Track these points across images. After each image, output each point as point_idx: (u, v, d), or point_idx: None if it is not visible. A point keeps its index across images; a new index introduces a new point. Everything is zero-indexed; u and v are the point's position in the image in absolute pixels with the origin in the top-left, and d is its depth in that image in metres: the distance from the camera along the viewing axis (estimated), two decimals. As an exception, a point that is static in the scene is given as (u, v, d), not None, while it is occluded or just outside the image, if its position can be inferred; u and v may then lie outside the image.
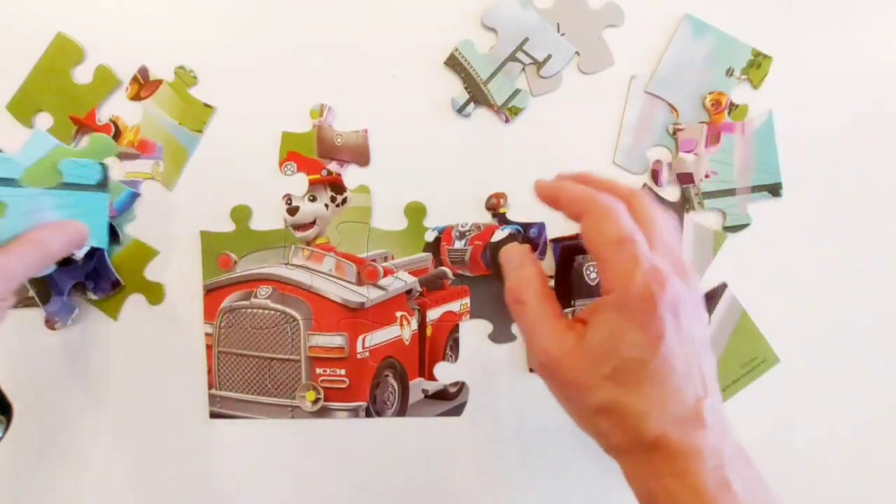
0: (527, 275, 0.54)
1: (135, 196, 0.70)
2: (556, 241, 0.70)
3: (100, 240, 0.66)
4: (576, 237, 0.70)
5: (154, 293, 0.70)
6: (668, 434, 0.47)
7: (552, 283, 0.70)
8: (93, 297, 0.70)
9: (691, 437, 0.47)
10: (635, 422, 0.48)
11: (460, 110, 0.70)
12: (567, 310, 0.70)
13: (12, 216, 0.60)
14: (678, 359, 0.48)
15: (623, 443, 0.49)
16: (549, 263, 0.70)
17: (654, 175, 0.71)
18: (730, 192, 0.71)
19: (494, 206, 0.70)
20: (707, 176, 0.71)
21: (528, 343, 0.53)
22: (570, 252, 0.70)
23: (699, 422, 0.48)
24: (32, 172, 0.62)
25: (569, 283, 0.70)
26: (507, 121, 0.70)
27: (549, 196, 0.55)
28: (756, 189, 0.71)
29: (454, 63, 0.70)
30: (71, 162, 0.64)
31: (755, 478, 0.50)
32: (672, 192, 0.71)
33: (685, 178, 0.71)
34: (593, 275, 0.70)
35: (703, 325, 0.52)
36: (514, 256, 0.57)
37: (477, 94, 0.70)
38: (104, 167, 0.67)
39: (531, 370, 0.70)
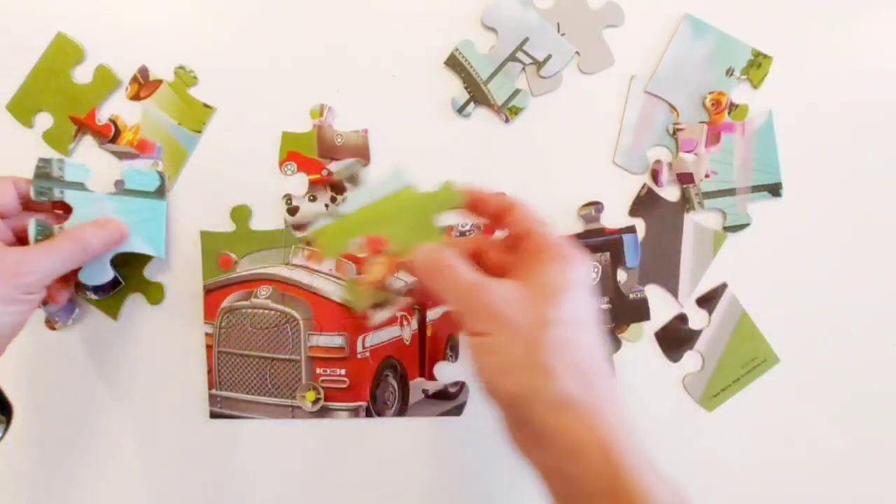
0: (438, 248, 0.53)
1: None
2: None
3: (156, 247, 0.67)
4: (576, 238, 0.70)
5: (154, 293, 0.70)
6: (610, 385, 0.50)
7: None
8: (93, 297, 0.70)
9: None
10: (584, 361, 0.48)
11: (460, 110, 0.70)
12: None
13: (79, 218, 0.63)
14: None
15: (575, 384, 0.47)
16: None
17: (655, 175, 0.71)
18: (730, 192, 0.71)
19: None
20: (707, 176, 0.71)
21: (468, 307, 0.50)
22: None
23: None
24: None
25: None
26: (507, 121, 0.70)
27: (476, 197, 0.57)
28: (756, 189, 0.71)
29: (454, 63, 0.70)
30: (133, 170, 0.67)
31: None
32: (672, 192, 0.71)
33: (685, 178, 0.71)
34: (593, 275, 0.70)
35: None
36: (425, 246, 0.54)
37: (477, 94, 0.70)
38: (162, 175, 0.68)
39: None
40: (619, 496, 0.45)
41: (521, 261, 0.52)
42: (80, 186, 0.64)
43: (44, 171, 0.63)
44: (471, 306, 0.50)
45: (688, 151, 0.70)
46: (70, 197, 0.63)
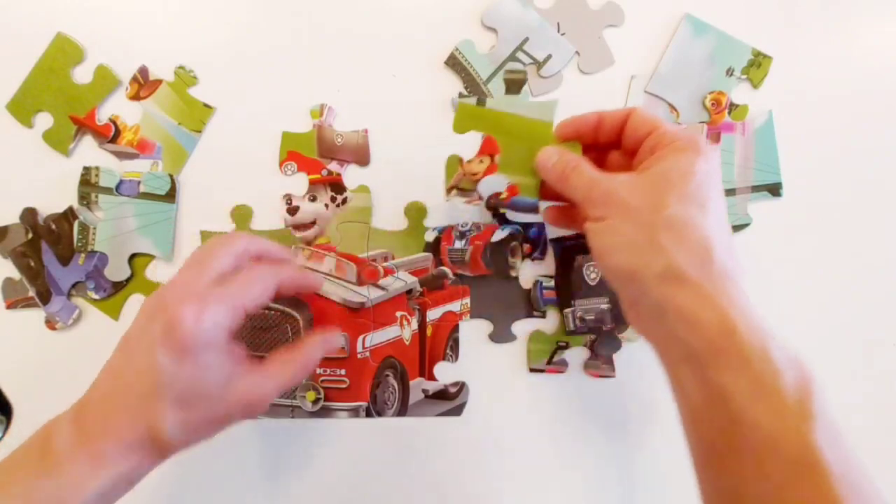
0: (571, 155, 0.58)
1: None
2: (556, 240, 0.70)
3: (164, 249, 0.70)
4: (576, 237, 0.70)
5: (154, 293, 0.70)
6: (731, 242, 0.51)
7: (552, 283, 0.70)
8: (93, 297, 0.70)
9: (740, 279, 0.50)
10: (703, 240, 0.49)
11: (461, 111, 0.70)
12: (567, 310, 0.70)
13: (108, 220, 0.69)
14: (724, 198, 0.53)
15: (688, 258, 0.49)
16: (549, 264, 0.71)
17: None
18: (730, 192, 0.71)
19: (495, 205, 0.70)
20: (707, 175, 0.71)
21: (589, 198, 0.55)
22: (570, 252, 0.70)
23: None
24: None
25: (569, 283, 0.70)
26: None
27: (590, 122, 0.59)
28: (756, 189, 0.71)
29: (454, 63, 0.70)
30: (150, 174, 0.69)
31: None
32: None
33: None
34: (593, 274, 0.70)
35: None
36: (551, 150, 0.59)
37: (477, 94, 0.70)
38: (172, 179, 0.69)
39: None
40: (733, 354, 0.46)
41: (645, 156, 0.55)
42: (108, 191, 0.69)
43: (85, 178, 0.69)
44: (591, 196, 0.54)
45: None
46: (102, 201, 0.69)
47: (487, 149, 0.67)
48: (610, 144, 0.59)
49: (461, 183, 0.69)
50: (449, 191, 0.70)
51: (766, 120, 0.71)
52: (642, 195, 0.52)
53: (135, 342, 0.53)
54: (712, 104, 0.70)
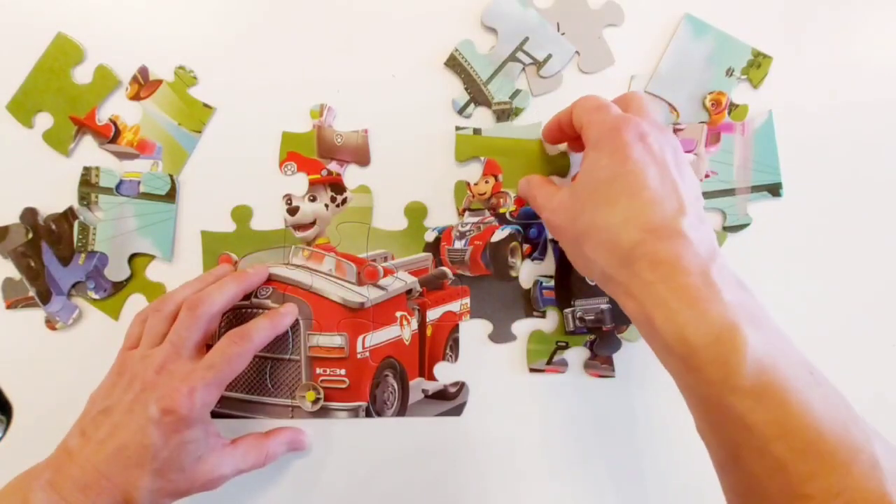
0: (532, 182, 0.65)
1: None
2: (557, 241, 0.70)
3: (164, 249, 0.70)
4: None
5: (155, 293, 0.70)
6: (644, 241, 0.49)
7: (552, 283, 0.70)
8: (93, 296, 0.70)
9: (670, 245, 0.49)
10: (613, 235, 0.51)
11: (461, 111, 0.70)
12: (567, 310, 0.70)
13: (108, 220, 0.69)
14: (649, 174, 0.51)
15: (608, 262, 0.51)
16: (549, 264, 0.71)
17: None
18: (730, 192, 0.71)
19: (495, 205, 0.70)
20: (707, 176, 0.71)
21: (549, 225, 0.61)
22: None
23: (677, 233, 0.49)
24: None
25: (569, 284, 0.70)
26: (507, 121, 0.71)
27: (555, 124, 0.64)
28: (756, 189, 0.71)
29: (454, 63, 0.70)
30: (150, 174, 0.69)
31: (750, 297, 0.51)
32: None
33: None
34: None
35: (676, 152, 0.55)
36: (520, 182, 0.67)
37: (477, 95, 0.70)
38: (172, 179, 0.69)
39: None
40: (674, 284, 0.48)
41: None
42: (108, 192, 0.69)
43: (85, 178, 0.69)
44: (547, 222, 0.61)
45: (688, 151, 0.70)
46: (102, 201, 0.69)
47: (490, 170, 0.70)
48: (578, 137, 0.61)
49: (472, 204, 0.70)
50: (461, 213, 0.70)
51: (766, 120, 0.71)
52: (565, 214, 0.56)
53: (122, 415, 0.56)
54: (712, 104, 0.70)
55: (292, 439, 0.67)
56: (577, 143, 0.62)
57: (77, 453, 0.55)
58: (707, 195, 0.70)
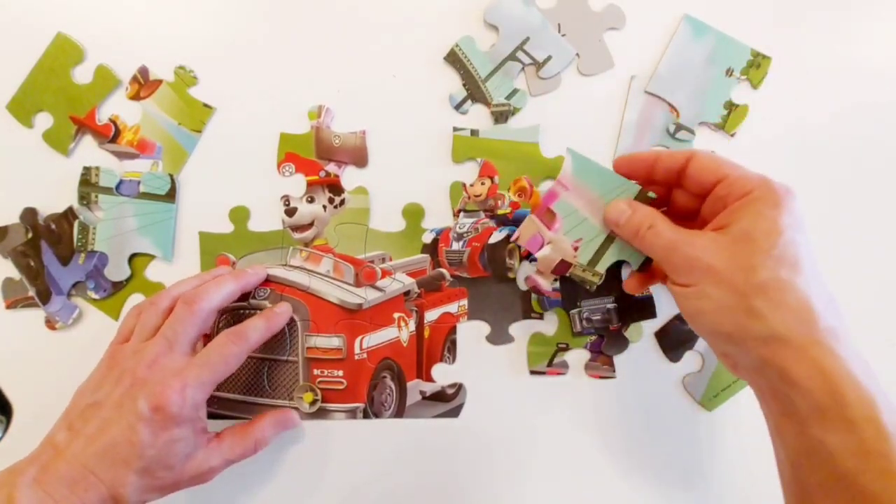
0: (646, 210, 0.58)
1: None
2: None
3: (164, 249, 0.70)
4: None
5: (155, 293, 0.70)
6: (836, 326, 0.49)
7: (557, 285, 0.70)
8: (93, 296, 0.70)
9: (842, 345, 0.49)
10: (801, 302, 0.49)
11: (458, 107, 0.70)
12: (573, 311, 0.70)
13: (107, 219, 0.69)
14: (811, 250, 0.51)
15: (791, 325, 0.49)
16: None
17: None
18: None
19: (492, 207, 0.70)
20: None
21: (669, 262, 0.55)
22: (572, 252, 0.70)
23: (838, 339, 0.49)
24: None
25: (574, 284, 0.70)
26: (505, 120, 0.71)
27: (646, 161, 0.59)
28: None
29: (454, 59, 0.70)
30: (150, 174, 0.69)
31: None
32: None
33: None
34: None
35: None
36: (622, 205, 0.59)
37: (475, 92, 0.70)
38: (172, 179, 0.70)
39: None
40: (837, 417, 0.46)
41: (718, 207, 0.54)
42: (108, 191, 0.69)
43: (85, 178, 0.69)
44: (673, 261, 0.54)
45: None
46: (102, 200, 0.69)
47: (487, 172, 0.70)
48: (667, 182, 0.59)
49: (467, 206, 0.70)
50: (456, 214, 0.70)
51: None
52: (728, 259, 0.51)
53: (111, 411, 0.56)
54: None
55: (280, 419, 0.67)
56: (656, 183, 0.60)
57: (64, 448, 0.55)
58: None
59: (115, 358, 0.60)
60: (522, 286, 0.70)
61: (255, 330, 0.62)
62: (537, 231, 0.64)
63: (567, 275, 0.65)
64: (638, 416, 0.71)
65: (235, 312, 0.69)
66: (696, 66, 0.70)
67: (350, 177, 0.70)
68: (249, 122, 0.71)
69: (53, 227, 0.70)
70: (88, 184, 0.69)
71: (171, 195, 0.70)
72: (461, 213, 0.70)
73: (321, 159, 0.70)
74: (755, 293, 0.49)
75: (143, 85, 0.70)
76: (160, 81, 0.70)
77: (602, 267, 0.63)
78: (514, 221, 0.70)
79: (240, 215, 0.70)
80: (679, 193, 0.59)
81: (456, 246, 0.70)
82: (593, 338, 0.70)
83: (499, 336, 0.70)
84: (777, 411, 0.50)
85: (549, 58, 0.70)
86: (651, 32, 0.71)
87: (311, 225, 0.70)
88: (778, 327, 0.48)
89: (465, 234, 0.70)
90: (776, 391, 0.49)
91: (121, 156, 0.70)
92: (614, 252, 0.63)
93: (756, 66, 0.70)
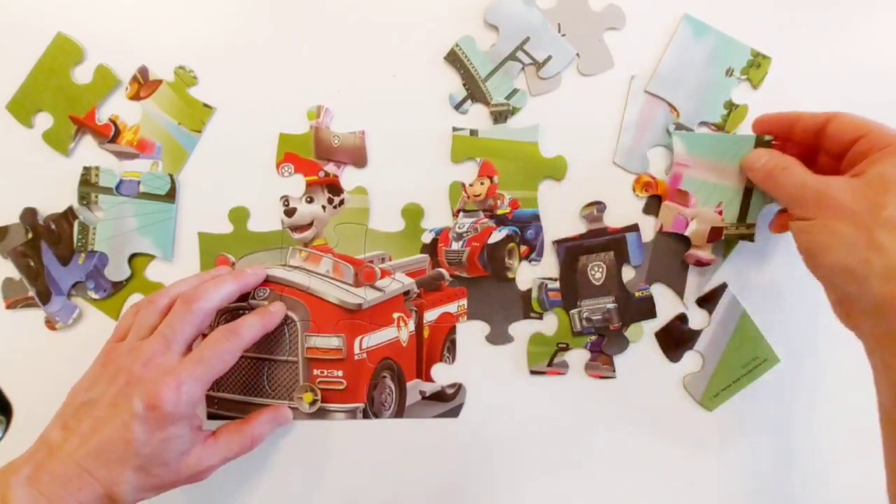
0: (784, 157, 0.61)
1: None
2: (560, 242, 0.70)
3: (164, 249, 0.70)
4: (579, 238, 0.70)
5: (154, 293, 0.70)
6: None
7: (557, 283, 0.70)
8: (93, 296, 0.70)
9: None
10: None
11: (458, 107, 0.70)
12: (573, 311, 0.70)
13: (107, 219, 0.70)
14: None
15: None
16: (546, 265, 0.70)
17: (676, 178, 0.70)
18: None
19: (492, 207, 0.70)
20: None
21: (799, 198, 0.57)
22: (574, 253, 0.70)
23: None
24: None
25: (574, 284, 0.70)
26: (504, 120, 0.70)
27: (786, 121, 0.63)
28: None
29: (454, 59, 0.70)
30: (149, 174, 0.69)
31: None
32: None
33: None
34: (598, 275, 0.70)
35: None
36: (762, 151, 0.63)
37: (475, 92, 0.70)
38: (172, 178, 0.70)
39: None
40: None
41: (857, 161, 0.55)
42: (108, 191, 0.69)
43: (85, 178, 0.69)
44: (801, 195, 0.56)
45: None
46: (102, 200, 0.69)
47: (486, 172, 0.70)
48: (804, 143, 0.61)
49: (466, 206, 0.70)
50: (455, 214, 0.70)
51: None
52: (858, 197, 0.52)
53: (105, 409, 0.56)
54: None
55: (275, 416, 0.67)
56: (794, 144, 0.63)
57: (58, 447, 0.55)
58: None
59: (111, 356, 0.60)
60: (522, 286, 0.70)
61: (250, 327, 0.62)
62: (678, 212, 0.68)
63: (723, 238, 0.68)
64: (638, 416, 0.71)
65: (234, 312, 0.69)
66: (696, 66, 0.70)
67: (349, 177, 0.70)
68: (249, 123, 0.71)
69: (53, 227, 0.70)
70: (88, 184, 0.69)
71: (170, 195, 0.70)
72: (460, 213, 0.70)
73: (320, 159, 0.70)
74: (881, 227, 0.50)
75: (143, 85, 0.70)
76: (160, 81, 0.70)
77: (752, 218, 0.67)
78: (514, 221, 0.70)
79: (239, 215, 0.70)
80: (823, 159, 0.61)
81: (455, 246, 0.70)
82: (593, 338, 0.70)
83: (499, 336, 0.70)
84: (892, 353, 0.51)
85: (549, 58, 0.70)
86: (651, 32, 0.70)
87: (310, 225, 0.70)
88: None
89: (464, 234, 0.70)
90: (893, 334, 0.50)
91: (121, 156, 0.70)
92: (758, 201, 0.67)
93: (756, 66, 0.70)
